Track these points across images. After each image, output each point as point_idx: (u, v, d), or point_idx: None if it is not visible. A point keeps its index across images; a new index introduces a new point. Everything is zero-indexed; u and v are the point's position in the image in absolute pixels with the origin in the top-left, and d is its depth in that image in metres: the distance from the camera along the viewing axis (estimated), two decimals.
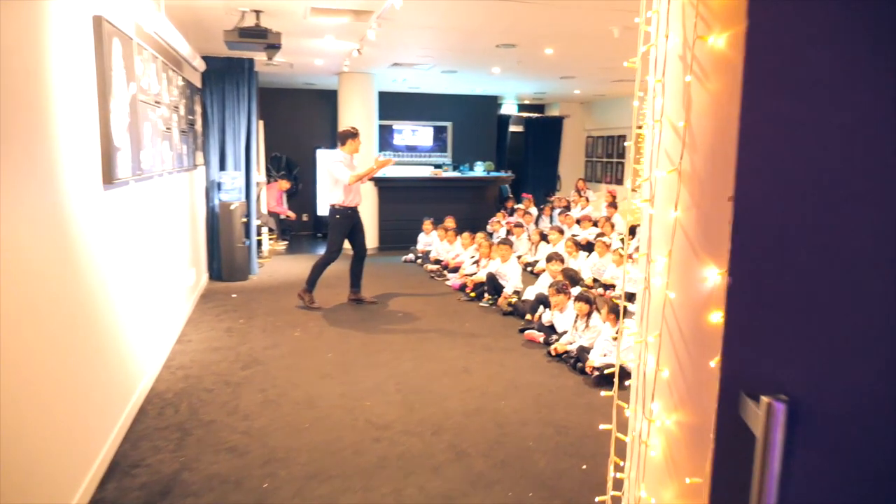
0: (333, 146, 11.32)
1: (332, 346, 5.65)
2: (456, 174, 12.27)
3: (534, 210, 12.27)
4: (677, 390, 1.69)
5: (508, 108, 15.69)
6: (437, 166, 12.57)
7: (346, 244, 6.98)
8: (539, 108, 16.13)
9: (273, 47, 5.54)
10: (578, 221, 10.62)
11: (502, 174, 12.39)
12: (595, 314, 5.29)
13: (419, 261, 9.63)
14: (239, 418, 4.11)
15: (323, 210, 12.21)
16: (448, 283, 8.26)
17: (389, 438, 3.87)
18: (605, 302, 5.05)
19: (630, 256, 2.54)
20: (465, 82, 11.43)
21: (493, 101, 14.16)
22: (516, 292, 7.04)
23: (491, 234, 9.83)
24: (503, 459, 3.63)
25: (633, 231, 11.12)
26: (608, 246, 8.27)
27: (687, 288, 1.66)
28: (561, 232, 8.99)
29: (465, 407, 4.35)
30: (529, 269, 8.73)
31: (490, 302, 7.14)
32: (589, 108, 15.38)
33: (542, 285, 6.78)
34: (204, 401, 4.38)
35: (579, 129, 15.80)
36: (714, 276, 1.57)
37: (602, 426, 2.63)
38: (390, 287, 8.02)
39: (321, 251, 8.50)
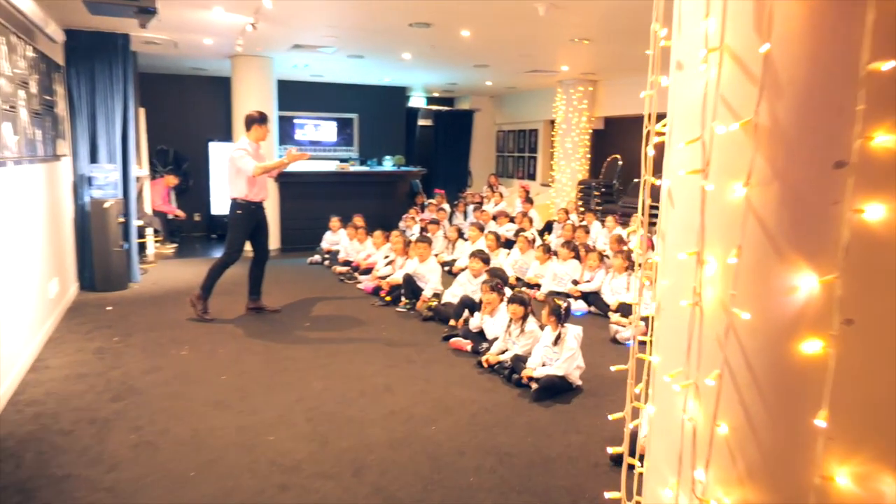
0: (228, 139, 10.29)
1: (228, 366, 4.80)
2: (364, 169, 11.52)
3: (447, 206, 11.74)
4: (745, 455, 1.14)
5: (417, 102, 15.08)
6: (344, 160, 11.76)
7: (248, 245, 6.11)
8: (448, 101, 15.64)
9: (146, 11, 4.62)
10: (495, 218, 10.18)
11: (413, 169, 11.75)
12: (531, 318, 4.77)
13: (326, 262, 8.82)
14: (103, 469, 3.23)
15: (218, 209, 11.09)
16: (360, 286, 7.53)
17: (300, 485, 3.13)
18: (545, 304, 4.53)
19: (626, 259, 1.97)
20: (373, 70, 10.70)
21: (401, 93, 13.49)
22: (436, 295, 6.43)
23: (403, 232, 9.17)
24: (441, 503, 3.00)
25: (549, 227, 10.93)
26: (531, 242, 7.84)
27: (764, 303, 1.10)
28: (481, 229, 8.48)
29: (390, 436, 3.68)
30: (447, 268, 8.16)
31: (408, 306, 6.49)
32: (499, 101, 15.05)
33: (463, 286, 6.21)
34: (58, 448, 3.45)
35: (489, 124, 15.45)
36: (810, 285, 1.02)
37: (609, 496, 2.06)
38: (295, 293, 7.20)
39: (217, 254, 7.54)
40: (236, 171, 5.80)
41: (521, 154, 14.59)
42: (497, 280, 5.32)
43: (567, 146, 11.70)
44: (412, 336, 5.66)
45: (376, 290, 7.11)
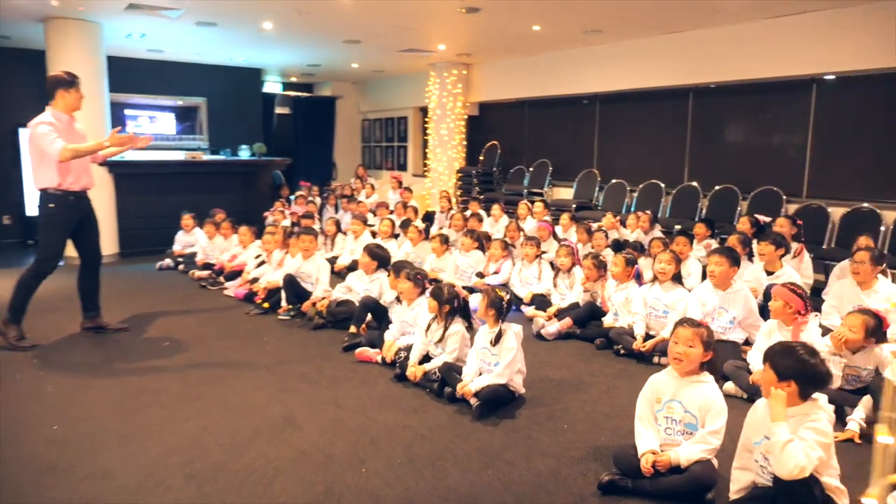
0: None
1: (61, 410, 3.54)
2: (220, 158, 10.11)
3: (316, 199, 10.67)
4: None
5: (272, 87, 13.73)
6: (193, 150, 10.23)
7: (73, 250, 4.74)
8: (307, 87, 14.44)
9: None
10: (373, 211, 9.32)
11: (276, 158, 10.51)
12: (458, 318, 4.00)
13: (181, 267, 7.44)
14: None
15: (34, 208, 9.11)
16: (228, 292, 6.34)
17: None
18: (484, 294, 3.78)
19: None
20: (225, 45, 9.34)
21: (255, 76, 12.12)
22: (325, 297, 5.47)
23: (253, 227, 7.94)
24: None
25: (429, 218, 10.25)
26: (422, 233, 7.09)
27: None
28: (364, 222, 7.58)
29: (308, 491, 2.74)
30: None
31: (291, 312, 5.46)
32: (363, 87, 14.11)
33: (356, 286, 5.31)
34: None
35: (353, 112, 14.47)
36: None
37: None
38: (145, 305, 5.86)
39: None
40: (40, 153, 4.42)
41: (389, 144, 13.79)
42: (417, 271, 4.49)
43: (442, 133, 11.10)
44: (305, 349, 4.68)
45: (250, 296, 5.98)
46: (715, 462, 2.71)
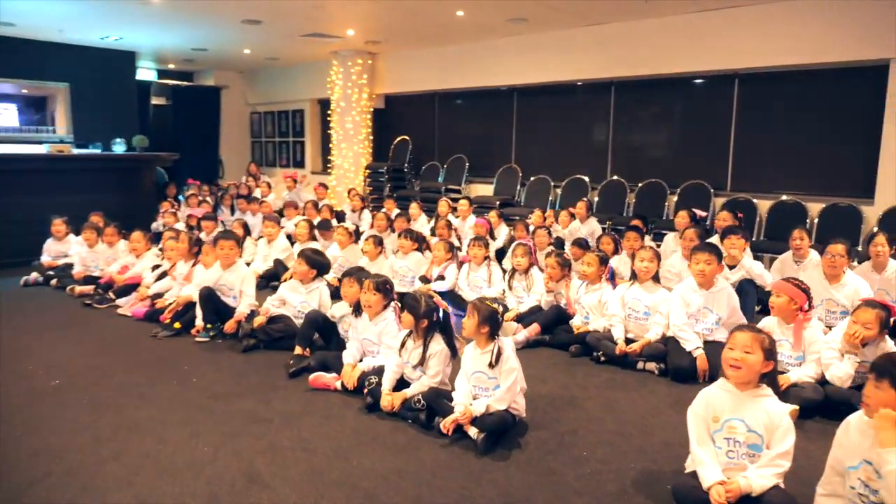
0: None
1: None
2: (94, 152, 8.72)
3: (209, 199, 9.54)
4: None
5: (145, 74, 12.24)
6: (58, 142, 8.75)
7: None
8: (186, 75, 13.04)
9: None
10: (280, 212, 8.43)
11: (161, 154, 9.24)
12: (437, 335, 3.40)
13: (54, 282, 6.18)
14: None
15: None
16: (122, 311, 5.28)
17: None
18: (474, 308, 3.20)
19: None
20: (95, 21, 8.02)
21: (129, 60, 10.67)
22: (253, 313, 4.64)
23: (159, 235, 6.86)
24: None
25: (338, 218, 9.45)
26: (351, 234, 6.38)
27: None
28: (278, 223, 6.73)
29: None
30: None
31: (210, 333, 4.58)
32: (252, 78, 12.96)
33: (291, 298, 4.54)
34: None
35: (240, 104, 13.27)
36: None
37: None
38: (13, 332, 4.71)
39: None
40: None
41: (283, 139, 12.77)
42: (383, 277, 3.82)
43: (347, 127, 10.36)
44: (242, 378, 3.86)
45: (153, 315, 5.00)
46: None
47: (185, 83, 12.76)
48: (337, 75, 10.25)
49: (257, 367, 4.04)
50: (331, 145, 10.63)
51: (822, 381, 3.47)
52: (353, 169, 10.42)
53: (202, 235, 6.66)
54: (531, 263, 5.14)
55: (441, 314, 3.42)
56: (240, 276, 4.72)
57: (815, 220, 6.42)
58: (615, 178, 7.98)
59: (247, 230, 6.88)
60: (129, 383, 3.74)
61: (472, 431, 3.03)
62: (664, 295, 4.23)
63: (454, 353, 3.41)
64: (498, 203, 8.37)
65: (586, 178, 8.21)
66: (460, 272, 5.56)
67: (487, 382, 3.14)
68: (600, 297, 4.49)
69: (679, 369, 3.89)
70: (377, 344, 3.72)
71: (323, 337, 4.15)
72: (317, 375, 3.73)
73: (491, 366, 3.11)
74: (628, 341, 4.20)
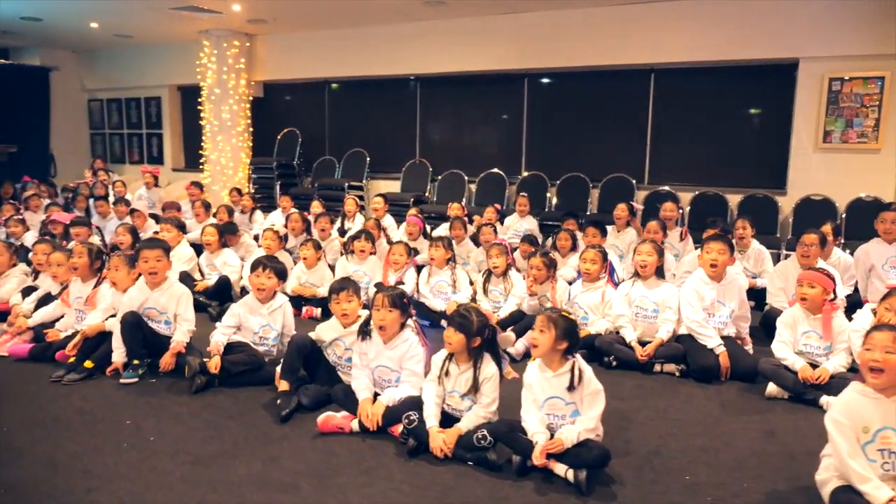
0: None
1: None
2: None
3: (58, 201, 7.89)
4: None
5: None
6: None
7: None
8: (2, 53, 10.77)
9: None
10: (156, 216, 7.13)
11: None
12: (486, 355, 2.82)
13: None
14: None
15: None
16: None
17: None
18: (550, 322, 2.65)
19: None
20: None
21: None
22: (191, 343, 3.68)
23: (13, 245, 5.40)
24: None
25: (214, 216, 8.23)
26: (281, 239, 5.46)
27: None
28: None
29: None
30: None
31: (140, 371, 3.55)
32: (91, 59, 11.03)
33: (249, 321, 3.65)
34: None
35: (75, 89, 11.26)
36: None
37: None
38: None
39: None
40: None
41: (134, 131, 11.05)
42: (396, 289, 3.11)
43: (224, 118, 9.15)
44: (220, 431, 2.96)
45: (41, 353, 3.80)
46: None
47: (4, 61, 10.52)
48: (210, 58, 8.99)
49: (230, 414, 3.15)
50: (203, 138, 9.31)
51: (851, 369, 3.44)
52: (232, 165, 9.22)
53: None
54: (509, 264, 4.69)
55: (492, 330, 2.86)
56: (173, 296, 3.71)
57: (735, 212, 6.69)
58: (534, 172, 7.79)
59: (135, 237, 5.63)
60: (52, 456, 2.69)
61: (561, 469, 2.52)
62: (671, 290, 4.00)
63: (501, 375, 2.87)
64: (412, 200, 7.80)
65: (502, 173, 7.93)
66: (419, 277, 4.96)
67: (564, 409, 2.64)
68: (602, 296, 4.17)
69: (704, 369, 3.67)
70: (396, 371, 3.04)
71: (307, 367, 3.35)
72: (327, 417, 2.96)
73: (569, 389, 2.62)
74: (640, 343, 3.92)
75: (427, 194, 8.23)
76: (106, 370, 3.59)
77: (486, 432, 2.66)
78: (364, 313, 3.33)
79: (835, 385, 3.33)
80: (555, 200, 7.57)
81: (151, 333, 3.65)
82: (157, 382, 3.53)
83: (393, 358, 3.04)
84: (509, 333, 4.11)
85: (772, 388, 3.44)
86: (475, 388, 2.78)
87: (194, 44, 9.17)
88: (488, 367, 2.81)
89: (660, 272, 4.08)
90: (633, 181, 7.24)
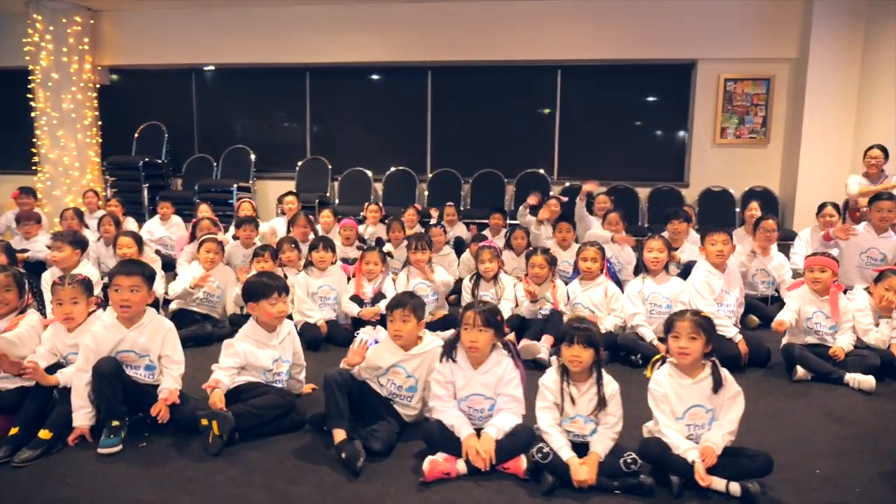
0: None
1: None
2: None
3: None
4: None
5: None
6: None
7: None
8: None
9: None
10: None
11: None
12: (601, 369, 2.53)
13: None
14: None
15: None
16: None
17: None
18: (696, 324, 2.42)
19: None
20: None
21: None
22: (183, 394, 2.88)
23: None
24: None
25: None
26: (219, 252, 4.58)
27: None
28: (78, 245, 4.43)
29: None
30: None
31: (123, 433, 2.70)
32: None
33: (258, 357, 2.95)
34: None
35: None
36: None
37: None
38: None
39: None
40: None
41: None
42: (488, 305, 2.66)
43: (65, 108, 7.61)
44: (285, 500, 2.32)
45: None
46: None
47: None
48: (43, 37, 7.39)
49: (288, 476, 2.49)
50: (38, 133, 7.63)
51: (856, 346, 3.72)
52: (79, 165, 7.69)
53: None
54: (499, 268, 4.40)
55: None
56: (156, 334, 2.87)
57: (645, 205, 7.05)
58: (445, 169, 7.52)
59: (11, 255, 4.37)
60: None
61: (720, 483, 2.34)
62: (680, 284, 4.02)
63: None
64: (317, 202, 7.13)
65: (411, 171, 7.57)
66: (396, 284, 4.47)
67: (705, 417, 2.47)
68: (605, 292, 4.06)
69: (729, 359, 3.72)
70: (491, 399, 2.63)
71: (352, 406, 2.77)
72: (432, 462, 2.45)
73: (715, 392, 2.45)
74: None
75: (328, 194, 7.58)
76: (68, 439, 2.68)
77: (633, 455, 2.38)
78: (428, 334, 2.87)
79: (851, 362, 3.60)
80: (468, 196, 7.40)
81: (131, 383, 2.80)
82: (149, 446, 2.71)
83: (488, 384, 2.63)
84: (535, 343, 3.82)
85: (800, 371, 3.59)
86: (601, 407, 2.50)
87: (18, 18, 7.47)
88: (610, 382, 2.54)
89: (666, 267, 4.09)
90: (548, 176, 7.31)
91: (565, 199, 6.44)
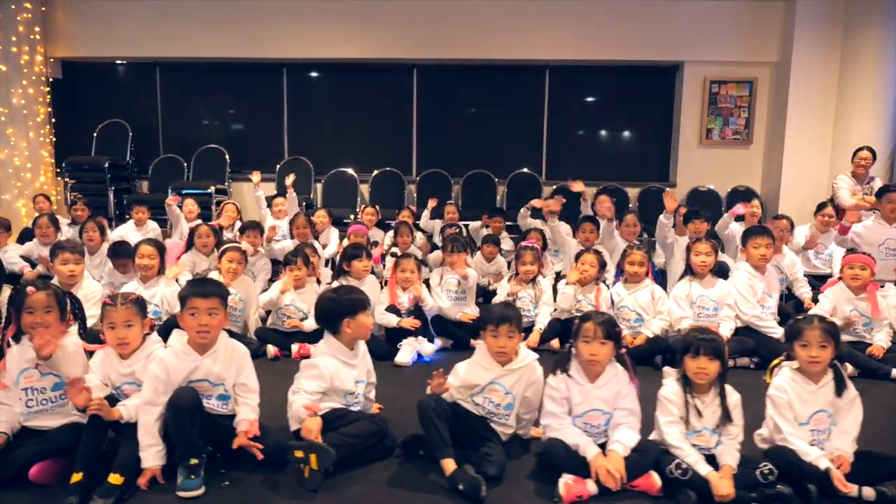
0: None
1: None
2: None
3: None
4: None
5: None
6: None
7: None
8: None
9: None
10: None
11: None
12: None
13: None
14: None
15: None
16: None
17: None
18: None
19: None
20: None
21: None
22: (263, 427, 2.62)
23: None
24: None
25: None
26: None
27: None
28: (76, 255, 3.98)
29: None
30: None
31: (203, 471, 2.41)
32: None
33: (342, 378, 2.74)
34: None
35: None
36: None
37: None
38: None
39: None
40: None
41: None
42: (607, 316, 2.54)
43: (15, 103, 6.93)
44: None
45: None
46: None
47: None
48: None
49: None
50: None
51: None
52: (31, 166, 7.01)
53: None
54: (539, 270, 4.30)
55: None
56: (233, 359, 2.58)
57: (636, 204, 7.13)
58: (435, 169, 7.34)
59: None
60: None
61: (853, 488, 2.32)
62: (726, 287, 4.03)
63: None
64: (304, 204, 6.79)
65: (399, 172, 7.34)
66: (430, 287, 4.29)
67: (827, 422, 2.47)
68: (652, 295, 4.02)
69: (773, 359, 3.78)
70: (607, 414, 2.52)
71: (460, 432, 2.58)
72: (567, 486, 2.32)
73: (838, 395, 2.45)
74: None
75: (311, 196, 7.25)
76: (139, 481, 2.37)
77: (769, 465, 2.33)
78: (525, 350, 2.72)
79: (890, 359, 3.73)
80: (459, 197, 7.25)
81: (207, 417, 2.50)
82: (234, 485, 2.43)
83: (606, 398, 2.51)
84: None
85: (850, 368, 3.67)
86: (727, 418, 2.43)
87: None
88: (732, 392, 2.48)
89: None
90: (538, 177, 7.27)
91: (563, 200, 6.42)
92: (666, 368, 2.60)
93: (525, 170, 7.31)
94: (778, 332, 3.85)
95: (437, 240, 5.70)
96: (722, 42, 6.87)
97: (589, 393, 2.52)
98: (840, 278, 3.93)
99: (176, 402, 2.38)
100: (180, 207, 6.02)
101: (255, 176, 6.18)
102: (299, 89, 7.55)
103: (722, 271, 4.31)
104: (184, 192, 6.50)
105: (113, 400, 2.52)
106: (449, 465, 2.43)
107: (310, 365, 2.70)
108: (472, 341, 4.04)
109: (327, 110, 7.62)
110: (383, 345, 3.93)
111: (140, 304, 2.65)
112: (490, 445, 2.54)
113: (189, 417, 2.38)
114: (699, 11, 6.84)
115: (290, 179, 6.12)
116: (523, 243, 4.47)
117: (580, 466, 2.39)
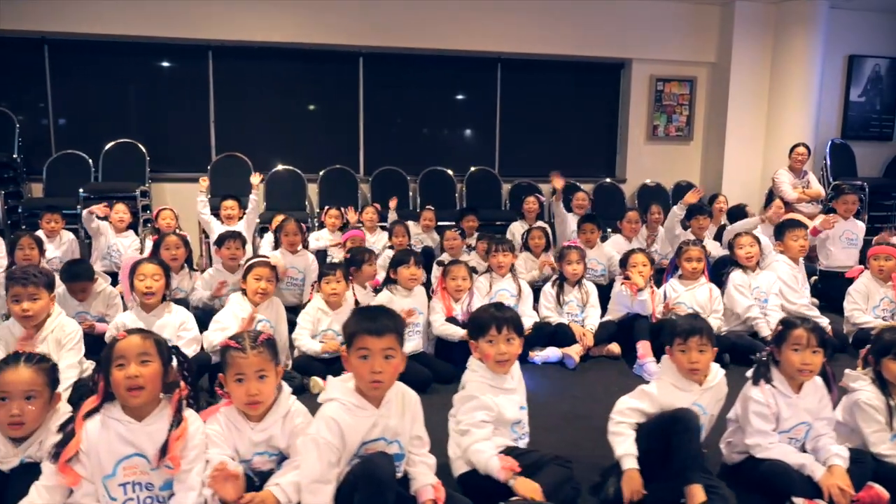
0: None
1: None
2: None
3: None
4: None
5: None
6: None
7: None
8: None
9: None
10: None
11: None
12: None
13: None
14: None
15: None
16: None
17: None
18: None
19: None
20: None
21: None
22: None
23: None
24: None
25: None
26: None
27: None
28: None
29: None
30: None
31: None
32: None
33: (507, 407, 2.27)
34: None
35: None
36: None
37: None
38: None
39: None
40: None
41: None
42: (810, 320, 2.32)
43: None
44: None
45: None
46: None
47: None
48: None
49: None
50: None
51: None
52: None
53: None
54: (584, 272, 4.06)
55: None
56: (406, 408, 2.05)
57: (591, 200, 7.13)
58: (391, 167, 6.81)
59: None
60: None
61: None
62: (771, 277, 4.08)
63: None
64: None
65: (350, 170, 6.73)
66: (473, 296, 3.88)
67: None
68: (710, 293, 3.96)
69: (835, 347, 3.88)
70: (809, 425, 2.35)
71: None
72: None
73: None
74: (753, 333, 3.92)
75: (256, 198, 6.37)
76: None
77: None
78: (714, 365, 2.47)
79: None
80: (417, 195, 6.81)
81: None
82: None
83: (810, 410, 2.35)
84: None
85: None
86: None
87: None
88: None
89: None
90: (498, 175, 7.04)
91: (544, 198, 6.31)
92: (849, 372, 2.49)
93: (484, 167, 7.03)
94: (824, 321, 3.96)
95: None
96: (666, 41, 7.10)
97: (796, 405, 2.33)
98: (866, 268, 4.15)
99: (375, 476, 1.82)
100: (106, 219, 4.99)
101: (203, 182, 5.33)
102: (228, 76, 6.63)
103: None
104: (110, 196, 5.39)
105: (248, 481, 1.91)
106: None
107: (466, 397, 2.26)
108: (531, 354, 3.75)
109: (260, 101, 6.76)
110: (448, 365, 3.47)
111: (272, 346, 2.03)
112: (708, 476, 2.26)
113: (391, 493, 1.83)
114: (645, 11, 7.01)
115: (256, 178, 5.35)
116: (566, 243, 4.23)
117: (806, 487, 2.20)
